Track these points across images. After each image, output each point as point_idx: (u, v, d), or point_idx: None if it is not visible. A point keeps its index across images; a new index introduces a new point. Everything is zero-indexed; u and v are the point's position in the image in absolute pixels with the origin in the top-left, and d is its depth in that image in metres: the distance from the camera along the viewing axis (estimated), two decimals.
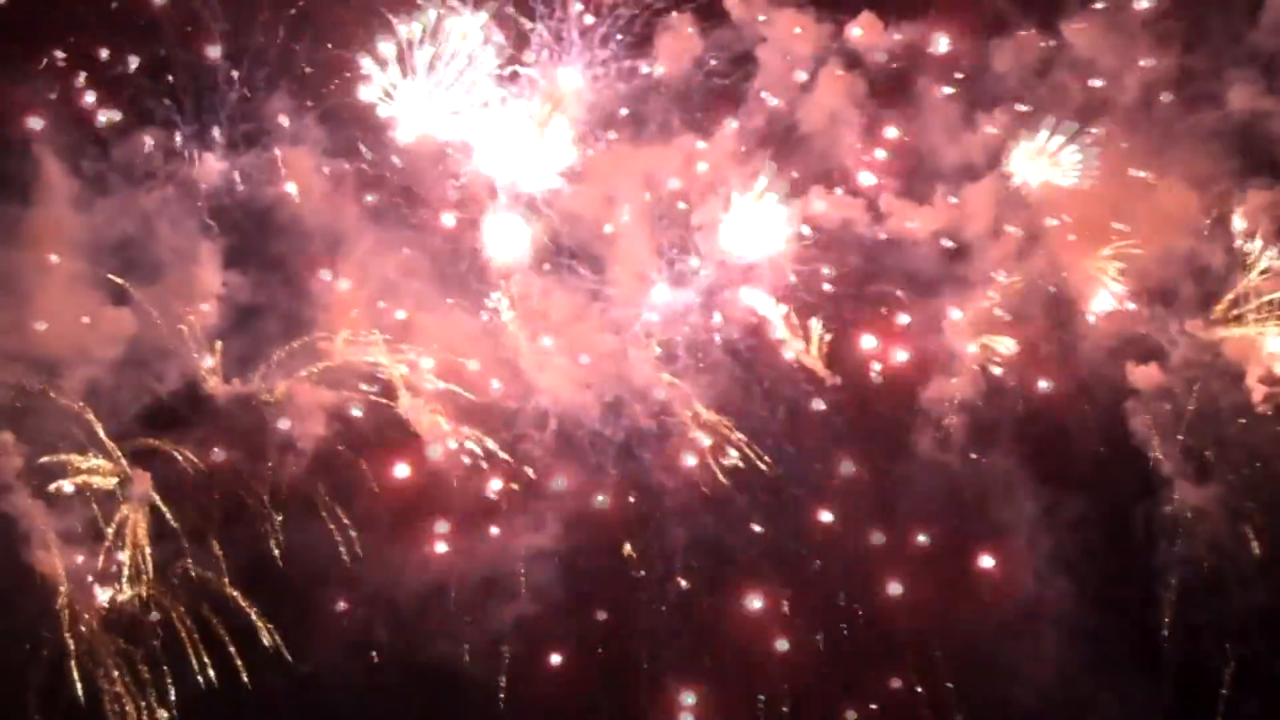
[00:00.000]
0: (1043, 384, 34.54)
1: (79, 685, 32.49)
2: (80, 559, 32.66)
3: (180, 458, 33.44)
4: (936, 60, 33.79)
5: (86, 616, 32.67)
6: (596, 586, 35.08)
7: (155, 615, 33.15)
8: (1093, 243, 33.36)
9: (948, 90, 33.70)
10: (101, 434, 32.83)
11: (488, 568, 34.78)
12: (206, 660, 33.21)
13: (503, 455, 34.51)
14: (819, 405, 34.60)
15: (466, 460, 34.47)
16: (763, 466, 34.81)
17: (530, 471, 34.50)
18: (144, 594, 33.38)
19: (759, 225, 33.73)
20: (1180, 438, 34.11)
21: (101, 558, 32.87)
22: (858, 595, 35.03)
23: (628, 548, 35.02)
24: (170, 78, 32.62)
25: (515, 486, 34.66)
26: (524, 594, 34.68)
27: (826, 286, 34.42)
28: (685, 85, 33.69)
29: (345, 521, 34.24)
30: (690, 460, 34.77)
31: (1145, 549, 34.84)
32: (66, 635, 32.69)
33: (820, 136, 33.59)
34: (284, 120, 33.02)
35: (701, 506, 35.09)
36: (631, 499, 35.00)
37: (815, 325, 34.33)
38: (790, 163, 33.64)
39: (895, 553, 35.05)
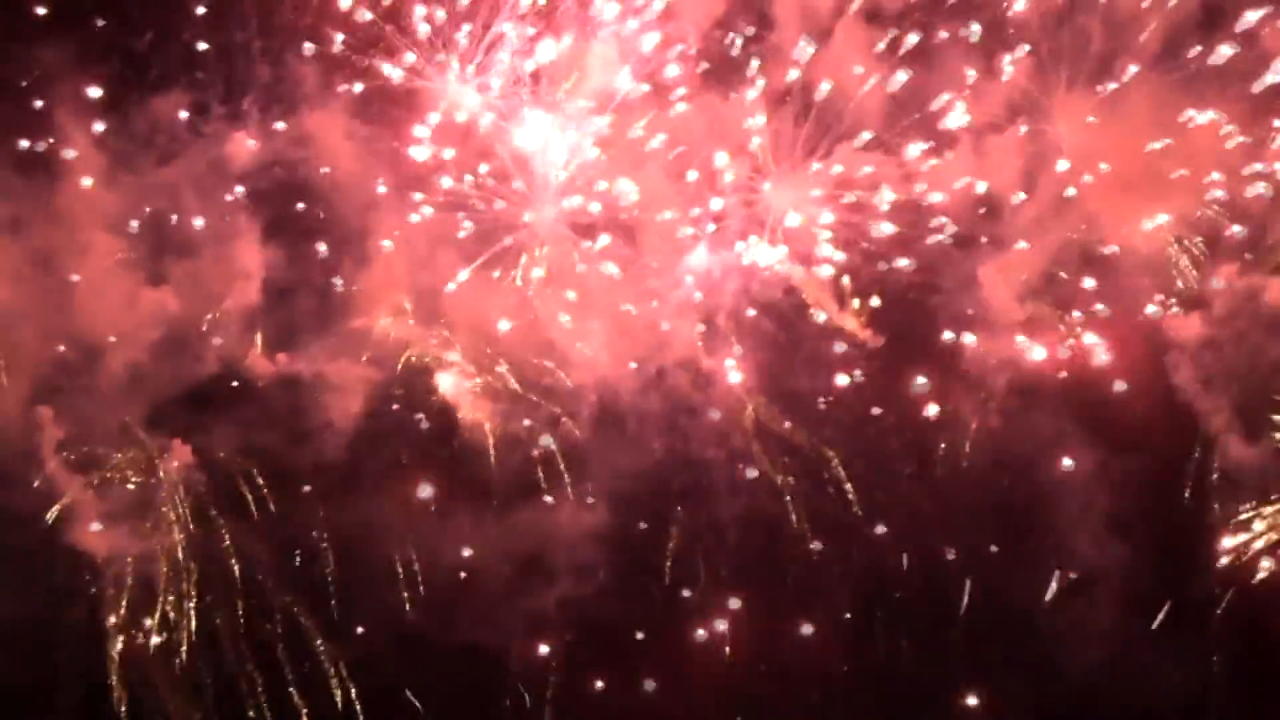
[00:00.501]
0: (1087, 341, 34.13)
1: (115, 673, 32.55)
2: (117, 541, 32.60)
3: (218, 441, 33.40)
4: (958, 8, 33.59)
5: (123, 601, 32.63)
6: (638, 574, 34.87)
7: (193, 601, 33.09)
8: (1130, 191, 32.96)
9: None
10: (139, 419, 32.92)
11: (529, 549, 34.54)
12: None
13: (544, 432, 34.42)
14: (859, 370, 34.38)
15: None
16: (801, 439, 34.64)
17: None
18: (183, 585, 33.25)
19: (791, 188, 33.66)
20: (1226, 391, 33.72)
21: (138, 540, 32.80)
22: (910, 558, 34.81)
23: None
24: (201, 54, 32.78)
25: (560, 464, 34.47)
26: (569, 576, 34.41)
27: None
28: (713, 48, 33.61)
29: (385, 503, 34.09)
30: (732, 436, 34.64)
31: (1195, 509, 34.38)
32: (109, 618, 32.66)
33: (848, 95, 33.36)
34: (315, 97, 33.01)
35: (744, 483, 34.92)
36: (675, 476, 34.80)
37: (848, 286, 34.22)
38: (818, 124, 33.52)
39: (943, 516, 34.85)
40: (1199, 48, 32.33)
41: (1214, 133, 32.61)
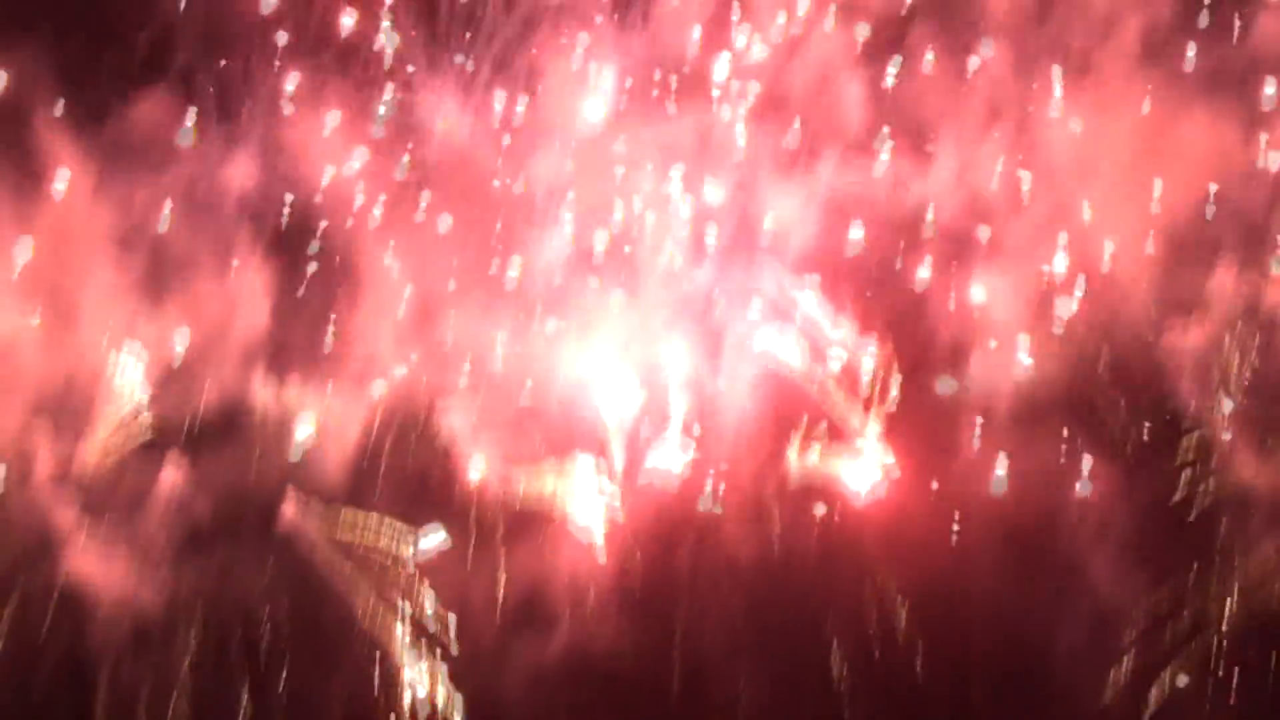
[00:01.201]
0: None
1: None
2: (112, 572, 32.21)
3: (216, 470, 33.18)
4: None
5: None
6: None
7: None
8: (1119, 195, 32.99)
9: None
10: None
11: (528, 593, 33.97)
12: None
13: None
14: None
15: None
16: None
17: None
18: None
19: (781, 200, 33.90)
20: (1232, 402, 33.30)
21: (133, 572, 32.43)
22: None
23: None
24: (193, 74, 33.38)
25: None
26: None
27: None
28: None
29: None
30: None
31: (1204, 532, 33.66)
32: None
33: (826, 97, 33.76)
34: (309, 120, 33.49)
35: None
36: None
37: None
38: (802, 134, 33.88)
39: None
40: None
41: (1207, 133, 32.72)
